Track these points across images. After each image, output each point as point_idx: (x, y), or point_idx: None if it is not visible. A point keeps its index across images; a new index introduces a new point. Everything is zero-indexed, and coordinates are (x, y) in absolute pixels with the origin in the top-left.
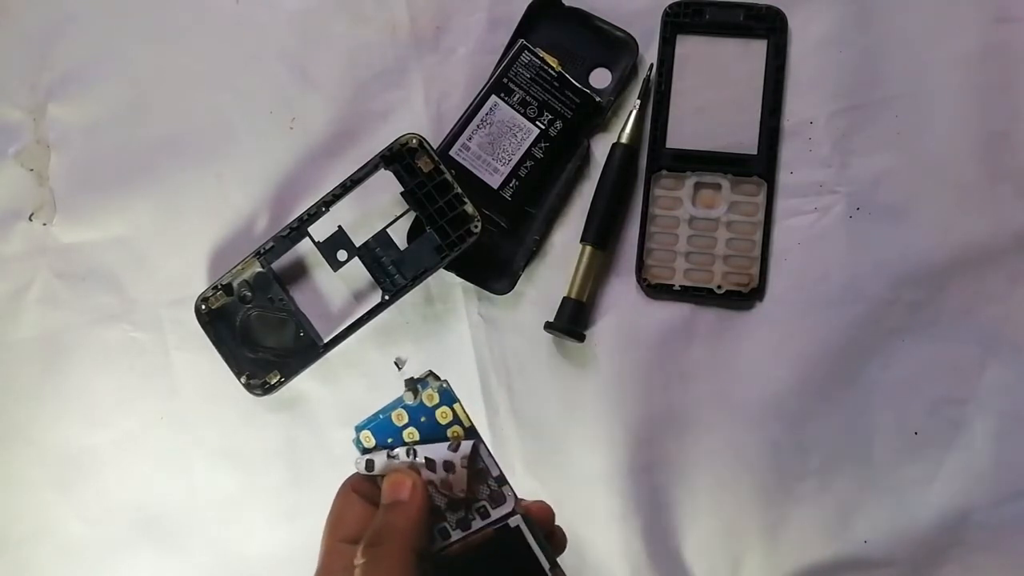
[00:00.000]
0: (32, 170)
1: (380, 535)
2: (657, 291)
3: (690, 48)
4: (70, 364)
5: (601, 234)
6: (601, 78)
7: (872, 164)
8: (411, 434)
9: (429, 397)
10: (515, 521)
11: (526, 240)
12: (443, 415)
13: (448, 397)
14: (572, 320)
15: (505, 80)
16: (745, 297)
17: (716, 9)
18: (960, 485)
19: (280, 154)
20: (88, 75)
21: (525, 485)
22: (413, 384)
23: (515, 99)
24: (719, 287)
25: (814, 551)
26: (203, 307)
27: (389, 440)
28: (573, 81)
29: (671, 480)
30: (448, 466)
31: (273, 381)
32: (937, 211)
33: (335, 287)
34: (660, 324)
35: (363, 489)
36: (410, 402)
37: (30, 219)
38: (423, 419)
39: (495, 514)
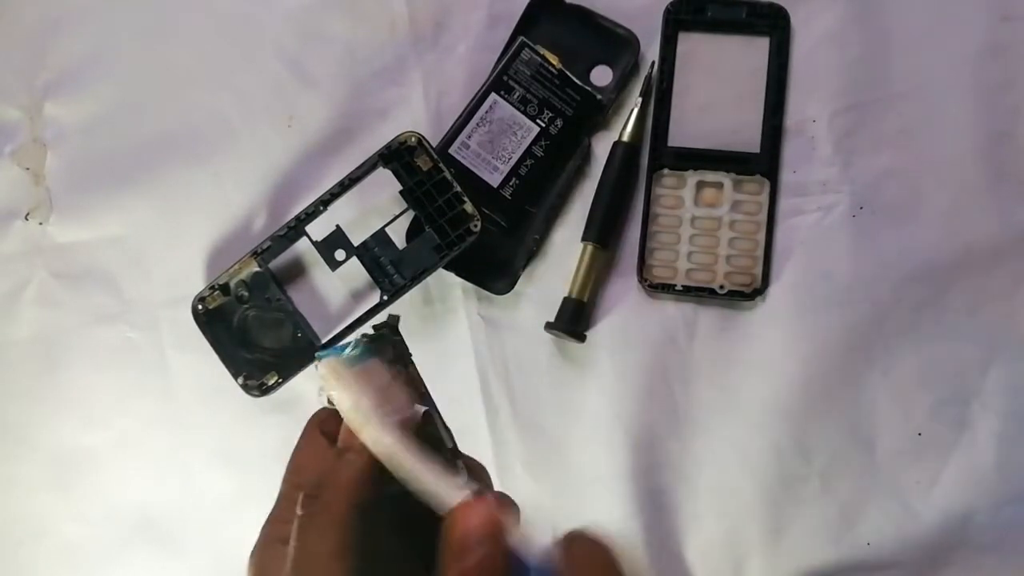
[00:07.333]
0: (28, 169)
1: (322, 486)
2: (659, 291)
3: (692, 46)
4: (66, 364)
5: (603, 232)
6: (602, 76)
7: (875, 163)
8: None
9: (382, 351)
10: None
11: (526, 239)
12: (395, 374)
13: (402, 357)
14: (573, 320)
15: (505, 78)
16: (747, 297)
17: (718, 6)
18: (964, 486)
19: (278, 152)
20: (85, 73)
21: (525, 486)
22: (372, 335)
23: (515, 97)
24: (721, 287)
25: (817, 553)
26: (200, 307)
27: None
28: (574, 79)
29: (672, 482)
30: None
31: (271, 382)
32: (940, 210)
33: (333, 287)
34: (662, 324)
35: (330, 428)
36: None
37: (26, 218)
38: None
39: None
